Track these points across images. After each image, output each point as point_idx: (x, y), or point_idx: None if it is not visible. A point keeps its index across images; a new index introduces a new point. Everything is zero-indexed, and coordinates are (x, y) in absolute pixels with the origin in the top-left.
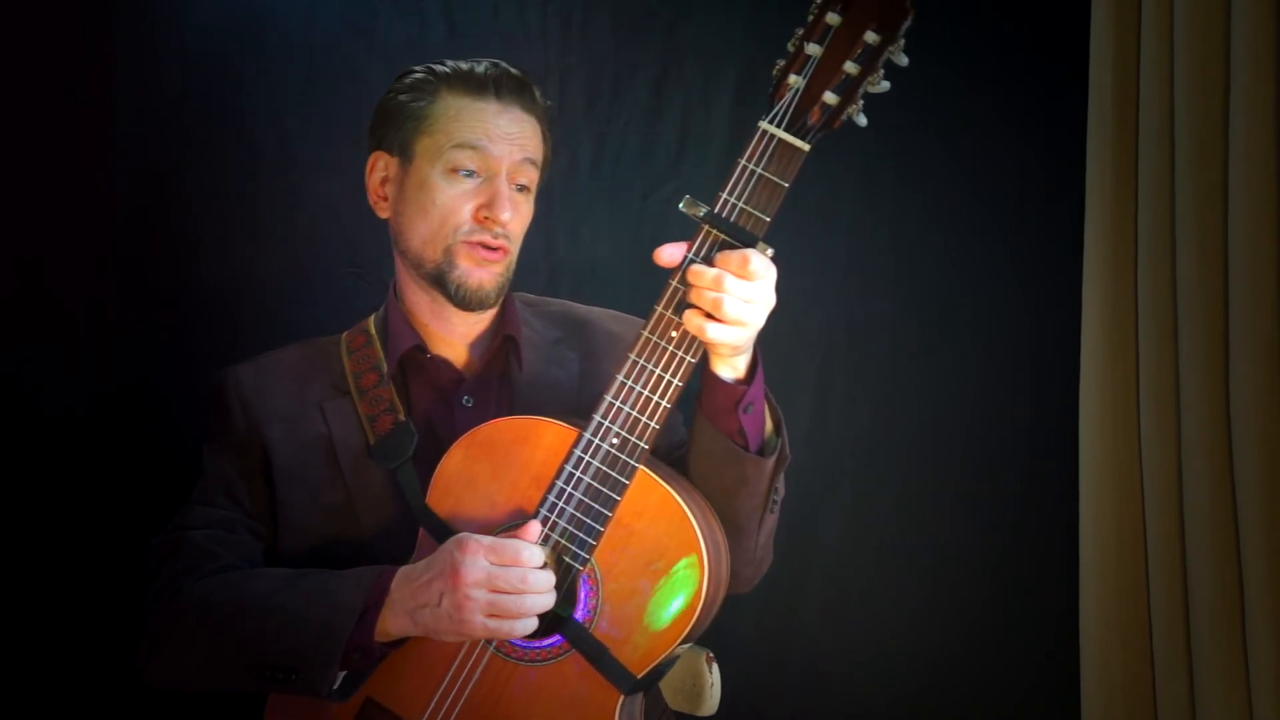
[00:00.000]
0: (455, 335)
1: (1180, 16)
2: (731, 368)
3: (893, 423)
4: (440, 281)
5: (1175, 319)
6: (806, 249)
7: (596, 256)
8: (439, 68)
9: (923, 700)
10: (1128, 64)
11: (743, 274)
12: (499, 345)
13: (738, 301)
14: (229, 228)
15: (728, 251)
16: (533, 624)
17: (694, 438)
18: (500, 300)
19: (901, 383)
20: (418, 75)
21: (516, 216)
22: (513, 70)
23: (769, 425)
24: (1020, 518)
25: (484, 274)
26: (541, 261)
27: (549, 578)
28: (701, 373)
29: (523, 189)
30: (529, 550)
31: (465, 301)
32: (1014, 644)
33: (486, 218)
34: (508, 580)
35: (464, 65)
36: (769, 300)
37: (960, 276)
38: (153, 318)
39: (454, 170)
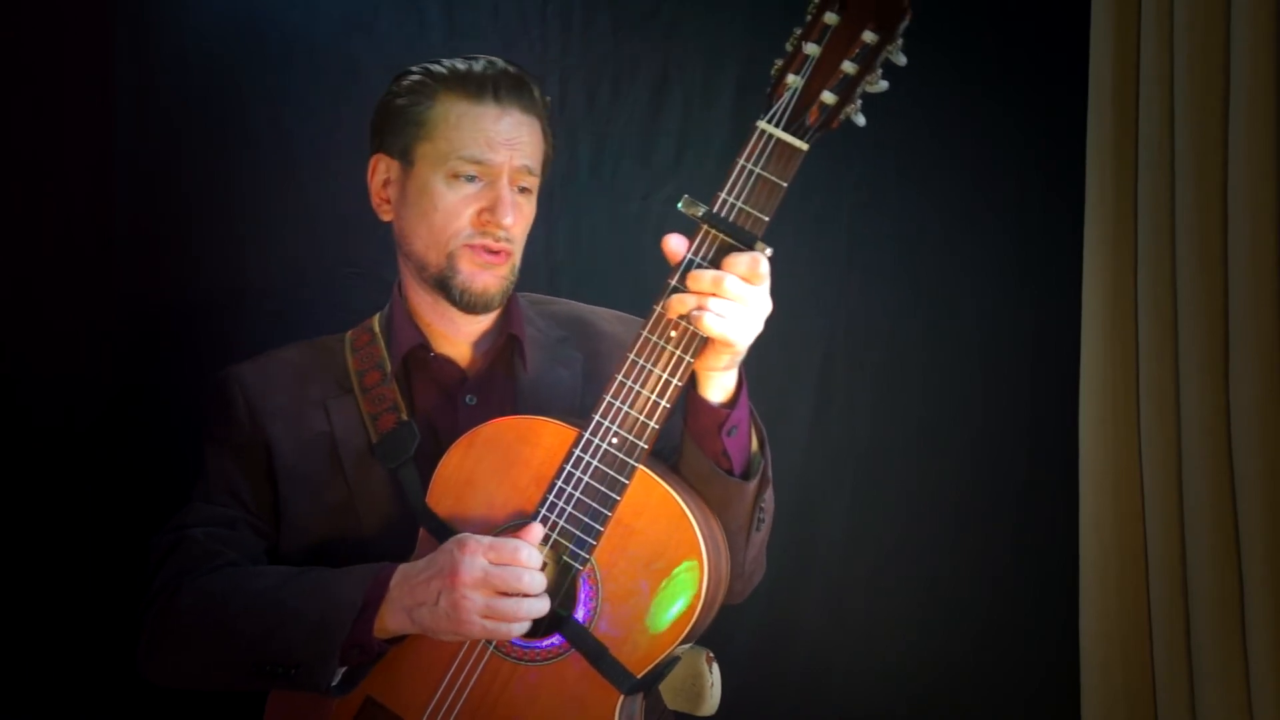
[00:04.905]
0: (459, 334)
1: (1180, 16)
2: (720, 389)
3: (893, 423)
4: (444, 286)
5: (1175, 319)
6: (807, 249)
7: (596, 256)
8: (436, 69)
9: (923, 702)
10: (1128, 64)
11: (752, 278)
12: (503, 344)
13: (735, 306)
14: (229, 228)
15: (736, 254)
16: (527, 624)
17: (681, 456)
18: (505, 301)
19: (902, 383)
20: (415, 77)
21: (519, 219)
22: (510, 69)
23: (754, 445)
24: (1020, 519)
25: (488, 277)
26: (541, 261)
27: (544, 580)
28: (687, 395)
29: (524, 190)
30: (527, 550)
31: (470, 305)
32: (1014, 646)
33: (489, 221)
34: (504, 580)
35: (461, 65)
36: (767, 305)
37: (960, 276)
38: (152, 318)
39: (455, 176)
